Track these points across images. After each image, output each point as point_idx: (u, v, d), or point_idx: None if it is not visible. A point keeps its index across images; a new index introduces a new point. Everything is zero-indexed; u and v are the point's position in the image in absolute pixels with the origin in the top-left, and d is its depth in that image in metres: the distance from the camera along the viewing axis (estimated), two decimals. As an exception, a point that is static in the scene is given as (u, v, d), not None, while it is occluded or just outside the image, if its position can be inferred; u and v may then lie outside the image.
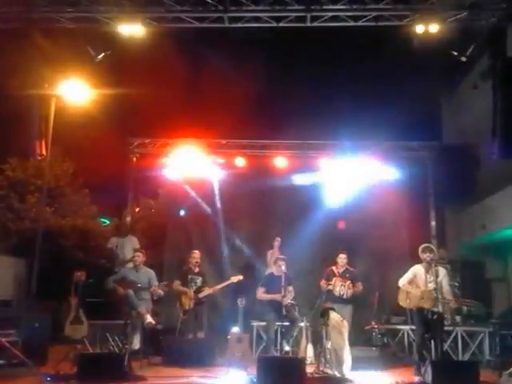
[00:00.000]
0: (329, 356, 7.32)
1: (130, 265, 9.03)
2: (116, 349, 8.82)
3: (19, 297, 10.01)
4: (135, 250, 9.08)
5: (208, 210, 11.24)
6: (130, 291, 8.13)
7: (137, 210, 12.81)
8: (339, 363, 7.23)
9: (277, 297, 8.24)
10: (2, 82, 10.68)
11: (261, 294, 8.66)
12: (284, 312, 8.03)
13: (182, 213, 11.24)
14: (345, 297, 8.54)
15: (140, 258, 8.61)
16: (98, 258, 11.88)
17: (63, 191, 13.66)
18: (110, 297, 8.84)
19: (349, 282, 8.59)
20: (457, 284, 9.72)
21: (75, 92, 9.59)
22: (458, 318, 9.41)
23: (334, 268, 8.76)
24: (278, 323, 8.34)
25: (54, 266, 11.00)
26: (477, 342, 9.01)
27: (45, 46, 8.55)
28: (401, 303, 7.55)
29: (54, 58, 8.84)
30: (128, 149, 11.71)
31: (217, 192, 11.29)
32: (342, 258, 8.71)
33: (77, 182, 13.93)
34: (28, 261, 10.22)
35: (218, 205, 11.22)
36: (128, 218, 11.62)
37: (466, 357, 8.86)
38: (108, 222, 14.17)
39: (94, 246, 12.34)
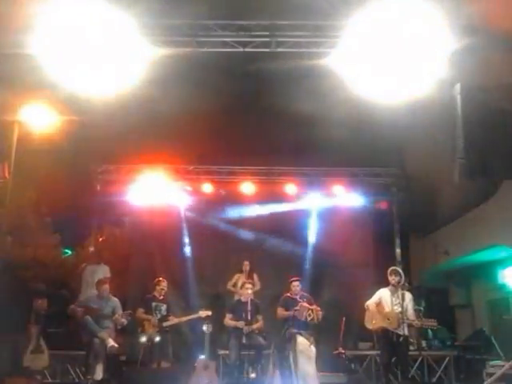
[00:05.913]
0: (296, 382, 7.21)
1: (95, 292, 8.76)
2: (77, 380, 8.51)
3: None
4: (100, 281, 8.79)
5: (174, 237, 11.11)
6: (88, 317, 7.76)
7: (100, 239, 12.50)
8: (307, 389, 7.13)
9: (239, 324, 8.09)
10: None
11: (227, 320, 8.47)
12: (244, 340, 7.92)
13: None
14: (315, 321, 8.11)
15: (107, 289, 8.35)
16: (59, 289, 11.54)
17: (25, 220, 13.27)
18: (70, 323, 8.56)
19: (315, 305, 8.12)
20: (421, 309, 9.77)
21: (39, 118, 9.43)
22: (423, 343, 9.46)
23: (289, 295, 8.34)
24: (244, 351, 8.16)
25: (14, 296, 10.62)
26: (443, 367, 9.07)
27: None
28: (367, 325, 7.48)
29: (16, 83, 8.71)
30: (92, 176, 11.57)
31: (183, 219, 11.21)
32: (295, 286, 8.31)
33: (39, 211, 13.59)
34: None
35: (184, 232, 11.13)
36: (91, 248, 11.36)
37: (433, 381, 8.90)
38: (70, 253, 13.85)
39: (55, 277, 11.99)
